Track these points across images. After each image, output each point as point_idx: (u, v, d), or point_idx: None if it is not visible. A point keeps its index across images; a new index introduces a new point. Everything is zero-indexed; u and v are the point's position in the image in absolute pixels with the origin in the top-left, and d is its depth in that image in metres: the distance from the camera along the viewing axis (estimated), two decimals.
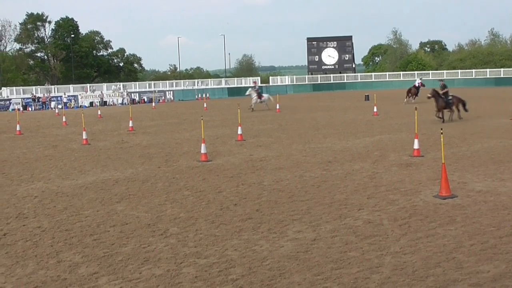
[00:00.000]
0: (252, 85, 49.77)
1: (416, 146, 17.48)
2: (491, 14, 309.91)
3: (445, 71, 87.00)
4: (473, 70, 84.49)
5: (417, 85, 47.02)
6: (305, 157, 17.98)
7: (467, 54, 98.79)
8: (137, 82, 79.66)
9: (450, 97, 28.44)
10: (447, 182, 11.90)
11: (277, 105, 42.06)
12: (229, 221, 10.47)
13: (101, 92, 67.89)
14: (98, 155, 20.29)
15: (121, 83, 75.03)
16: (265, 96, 44.40)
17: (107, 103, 65.64)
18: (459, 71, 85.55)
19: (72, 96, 65.75)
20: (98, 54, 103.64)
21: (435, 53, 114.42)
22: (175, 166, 17.27)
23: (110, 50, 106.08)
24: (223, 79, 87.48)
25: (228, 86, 79.26)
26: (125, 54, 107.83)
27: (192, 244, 9.09)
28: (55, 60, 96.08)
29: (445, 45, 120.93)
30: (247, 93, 45.19)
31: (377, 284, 7.20)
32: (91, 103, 64.81)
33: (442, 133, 12.88)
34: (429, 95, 27.74)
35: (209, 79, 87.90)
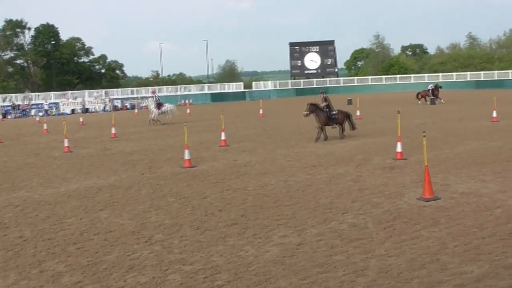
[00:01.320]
0: (150, 95, 45.27)
1: (399, 149, 17.57)
2: (470, 18, 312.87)
3: (426, 75, 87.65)
4: (454, 73, 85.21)
5: (429, 89, 48.26)
6: (290, 162, 18.00)
7: (447, 58, 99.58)
8: (119, 89, 79.19)
9: (334, 112, 23.90)
10: (430, 185, 11.97)
11: (261, 110, 42.06)
12: (214, 227, 10.44)
13: (83, 99, 67.39)
14: (81, 163, 20.15)
15: (103, 90, 74.57)
16: (166, 106, 39.11)
17: (89, 110, 65.22)
18: (440, 74, 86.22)
19: (53, 103, 65.18)
20: (80, 60, 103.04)
21: (416, 57, 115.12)
22: (159, 172, 17.20)
23: (91, 57, 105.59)
24: (206, 84, 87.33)
25: (211, 91, 79.15)
26: (107, 60, 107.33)
27: (177, 251, 9.06)
28: (35, 67, 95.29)
29: (426, 49, 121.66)
30: (144, 104, 41.38)
31: (363, 287, 7.21)
32: (73, 110, 64.30)
33: (424, 136, 12.95)
34: (306, 112, 23.44)
35: (192, 85, 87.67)
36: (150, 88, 77.15)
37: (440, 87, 49.45)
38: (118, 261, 8.67)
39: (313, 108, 23.54)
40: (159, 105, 38.12)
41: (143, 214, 11.79)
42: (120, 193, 14.19)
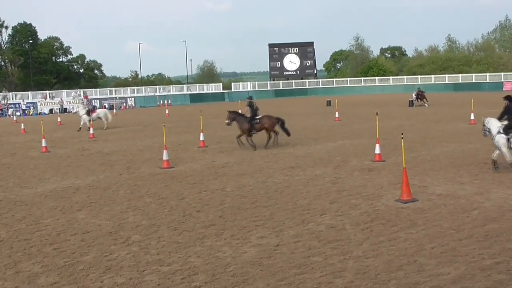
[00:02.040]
0: (82, 99, 42.43)
1: (377, 151, 17.66)
2: (448, 21, 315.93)
3: (405, 77, 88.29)
4: (432, 76, 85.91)
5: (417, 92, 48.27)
6: (268, 163, 18.00)
7: (426, 60, 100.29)
8: (97, 89, 78.69)
9: (257, 117, 22.27)
10: (408, 186, 12.05)
11: (240, 111, 41.94)
12: (192, 228, 10.40)
13: (61, 99, 66.89)
14: (58, 163, 19.97)
15: (82, 90, 74.04)
16: (98, 111, 36.69)
17: (67, 110, 64.74)
18: (419, 76, 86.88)
19: (31, 103, 64.58)
20: (58, 60, 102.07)
21: (395, 59, 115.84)
22: (137, 173, 17.11)
23: (70, 56, 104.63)
24: (185, 85, 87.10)
25: (190, 92, 78.97)
26: (86, 60, 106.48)
27: (155, 252, 9.01)
28: (13, 67, 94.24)
29: (405, 51, 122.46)
30: (74, 110, 38.21)
31: None
32: (51, 110, 63.80)
33: (402, 138, 13.03)
34: (227, 121, 22.17)
35: (171, 86, 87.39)
36: (128, 88, 76.89)
37: (422, 91, 49.36)
38: (95, 262, 8.60)
39: (234, 116, 22.35)
40: (89, 112, 35.24)
41: (121, 214, 11.71)
42: (97, 193, 14.08)
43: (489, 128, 15.24)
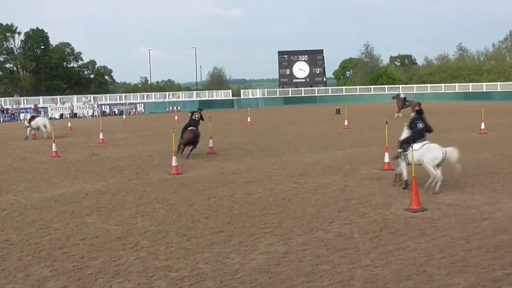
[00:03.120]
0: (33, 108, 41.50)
1: (386, 159, 17.63)
2: (459, 29, 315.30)
3: (415, 85, 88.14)
4: (442, 85, 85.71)
5: (402, 97, 47.39)
6: (277, 170, 18.00)
7: (436, 69, 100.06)
8: (107, 94, 79.08)
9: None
10: (417, 196, 12.01)
11: (249, 118, 42.08)
12: (200, 234, 10.41)
13: (71, 104, 67.21)
14: (68, 168, 20.05)
15: (92, 95, 74.41)
16: (37, 120, 34.33)
17: (77, 115, 65.03)
18: (429, 85, 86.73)
19: (41, 108, 64.92)
20: (69, 65, 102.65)
21: (405, 67, 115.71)
22: (146, 178, 17.14)
23: (80, 62, 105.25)
24: (194, 91, 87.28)
25: (199, 98, 79.13)
26: (96, 66, 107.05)
27: (163, 257, 9.02)
28: (25, 72, 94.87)
29: (415, 60, 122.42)
30: (23, 118, 36.51)
31: None
32: (61, 115, 64.10)
33: (412, 147, 12.99)
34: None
35: (180, 92, 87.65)
36: (138, 94, 77.15)
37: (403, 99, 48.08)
38: (104, 267, 8.62)
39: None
40: (30, 120, 34.18)
41: (129, 220, 11.74)
42: (106, 198, 14.12)
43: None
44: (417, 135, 14.59)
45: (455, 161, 13.93)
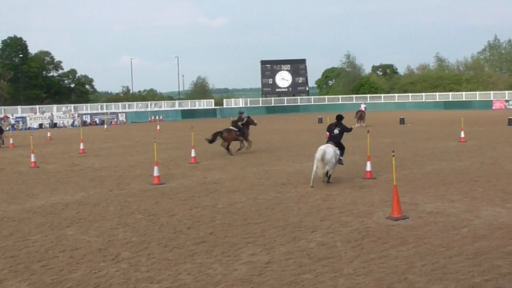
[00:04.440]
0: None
1: (368, 168, 17.70)
2: (439, 40, 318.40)
3: (396, 95, 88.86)
4: (423, 94, 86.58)
5: (363, 109, 47.48)
6: (259, 180, 17.98)
7: (417, 78, 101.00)
8: (88, 104, 78.66)
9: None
10: (399, 204, 12.05)
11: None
12: (183, 245, 10.35)
13: (51, 113, 66.79)
14: (48, 178, 19.87)
15: (72, 105, 73.99)
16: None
17: (58, 125, 64.59)
18: (410, 94, 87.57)
19: (20, 117, 64.41)
20: (48, 74, 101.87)
21: (387, 77, 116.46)
22: (127, 189, 17.03)
23: (60, 71, 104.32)
24: (176, 101, 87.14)
25: (181, 108, 79.04)
26: (77, 75, 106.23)
27: (145, 269, 8.94)
28: (2, 81, 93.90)
29: (396, 69, 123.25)
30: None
31: None
32: (41, 125, 63.63)
33: (393, 156, 13.06)
34: None
35: (163, 101, 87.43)
36: (120, 104, 76.83)
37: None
38: (84, 279, 8.52)
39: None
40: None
41: (111, 231, 11.64)
42: (87, 209, 14.00)
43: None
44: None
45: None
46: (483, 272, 8.25)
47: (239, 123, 26.79)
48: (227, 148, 26.06)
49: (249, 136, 27.22)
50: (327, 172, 16.59)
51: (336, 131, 17.49)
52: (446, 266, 8.61)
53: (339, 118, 17.97)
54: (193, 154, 23.46)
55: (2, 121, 36.96)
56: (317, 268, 8.69)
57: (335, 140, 17.23)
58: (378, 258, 9.15)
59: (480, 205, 13.05)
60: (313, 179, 16.38)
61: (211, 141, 25.70)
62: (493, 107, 75.65)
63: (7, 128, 35.21)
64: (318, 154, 16.15)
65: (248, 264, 9.06)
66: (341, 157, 17.17)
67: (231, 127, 26.53)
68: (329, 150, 16.44)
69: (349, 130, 17.94)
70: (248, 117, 27.71)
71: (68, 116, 67.74)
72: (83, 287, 8.17)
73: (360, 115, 45.58)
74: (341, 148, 17.34)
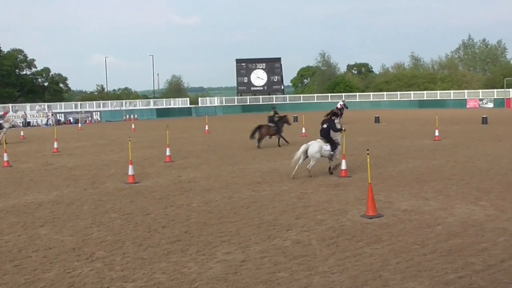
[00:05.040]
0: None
1: (343, 166, 17.76)
2: (414, 38, 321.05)
3: (371, 93, 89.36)
4: (398, 93, 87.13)
5: (339, 106, 47.80)
6: (234, 178, 17.96)
7: (392, 77, 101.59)
8: (62, 102, 77.81)
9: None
10: (373, 202, 12.12)
11: (206, 126, 41.98)
12: (157, 244, 10.29)
13: (24, 112, 66.02)
14: (21, 178, 19.63)
15: (46, 103, 73.15)
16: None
17: (31, 124, 63.87)
18: (385, 93, 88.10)
19: None
20: (21, 73, 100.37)
21: (362, 76, 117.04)
22: (101, 188, 16.90)
23: (34, 69, 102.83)
24: (151, 100, 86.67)
25: (156, 107, 78.65)
26: (50, 73, 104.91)
27: (119, 268, 8.88)
28: None
29: (371, 68, 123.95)
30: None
31: None
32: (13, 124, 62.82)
33: (368, 154, 13.13)
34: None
35: (138, 100, 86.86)
36: (94, 103, 76.20)
37: (346, 107, 49.51)
38: (58, 279, 8.43)
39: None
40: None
41: (85, 230, 11.54)
42: (61, 209, 13.86)
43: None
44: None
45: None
46: (457, 269, 8.34)
47: (275, 118, 29.17)
48: (259, 141, 28.16)
49: (282, 133, 29.36)
50: (312, 165, 17.73)
51: (324, 125, 18.34)
52: (421, 263, 8.68)
53: (331, 114, 18.94)
54: (168, 153, 23.36)
55: (2, 118, 36.97)
56: (292, 266, 8.71)
57: (322, 135, 18.11)
58: (353, 256, 9.19)
59: (454, 202, 13.19)
60: (295, 170, 17.50)
61: (253, 136, 28.12)
62: (467, 106, 76.47)
63: (9, 126, 35.02)
64: (302, 147, 17.56)
65: (223, 262, 9.04)
66: (331, 153, 17.89)
67: (268, 123, 28.96)
68: (315, 145, 17.62)
69: (336, 129, 18.22)
70: (285, 116, 29.94)
71: (41, 115, 67.01)
72: (57, 287, 8.08)
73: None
74: (332, 143, 17.92)
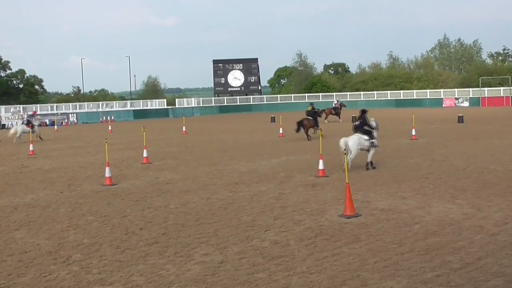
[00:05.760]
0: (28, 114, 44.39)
1: (321, 166, 17.81)
2: (390, 38, 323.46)
3: (348, 93, 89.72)
4: (375, 92, 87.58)
5: (333, 106, 48.57)
6: (212, 179, 17.92)
7: (369, 77, 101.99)
8: (38, 104, 77.04)
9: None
10: (351, 202, 12.16)
11: (184, 127, 41.84)
12: (135, 246, 10.22)
13: None
14: None
15: (21, 106, 72.34)
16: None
17: (6, 126, 63.12)
18: (362, 93, 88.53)
19: None
20: None
21: (339, 75, 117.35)
22: (78, 190, 16.75)
23: (8, 71, 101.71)
24: (128, 101, 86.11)
25: (133, 108, 78.17)
26: (25, 75, 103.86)
27: (96, 271, 8.80)
28: None
29: (348, 68, 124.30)
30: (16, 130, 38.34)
31: None
32: None
33: (345, 154, 13.17)
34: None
35: (114, 101, 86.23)
36: (70, 104, 75.55)
37: (344, 106, 50.48)
38: (33, 283, 8.33)
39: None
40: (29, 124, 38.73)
41: (61, 233, 11.42)
42: (37, 212, 13.71)
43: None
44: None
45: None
46: (434, 268, 8.40)
47: (317, 110, 33.03)
48: (307, 134, 31.10)
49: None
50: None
51: (356, 123, 19.77)
52: (398, 262, 8.72)
53: (362, 112, 20.03)
54: (145, 155, 23.23)
55: (33, 118, 39.57)
56: (270, 267, 8.70)
57: (357, 131, 19.27)
58: (331, 255, 9.21)
59: (431, 201, 13.29)
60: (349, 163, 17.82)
61: (297, 130, 30.65)
62: (444, 105, 77.17)
63: (38, 123, 39.92)
64: (341, 141, 18.57)
65: (201, 264, 9.01)
66: (372, 141, 19.02)
67: (307, 117, 31.79)
68: (354, 138, 18.80)
69: (372, 127, 19.31)
70: (320, 111, 34.87)
71: (17, 117, 66.21)
72: None
73: (330, 111, 48.92)
74: (369, 134, 19.11)
